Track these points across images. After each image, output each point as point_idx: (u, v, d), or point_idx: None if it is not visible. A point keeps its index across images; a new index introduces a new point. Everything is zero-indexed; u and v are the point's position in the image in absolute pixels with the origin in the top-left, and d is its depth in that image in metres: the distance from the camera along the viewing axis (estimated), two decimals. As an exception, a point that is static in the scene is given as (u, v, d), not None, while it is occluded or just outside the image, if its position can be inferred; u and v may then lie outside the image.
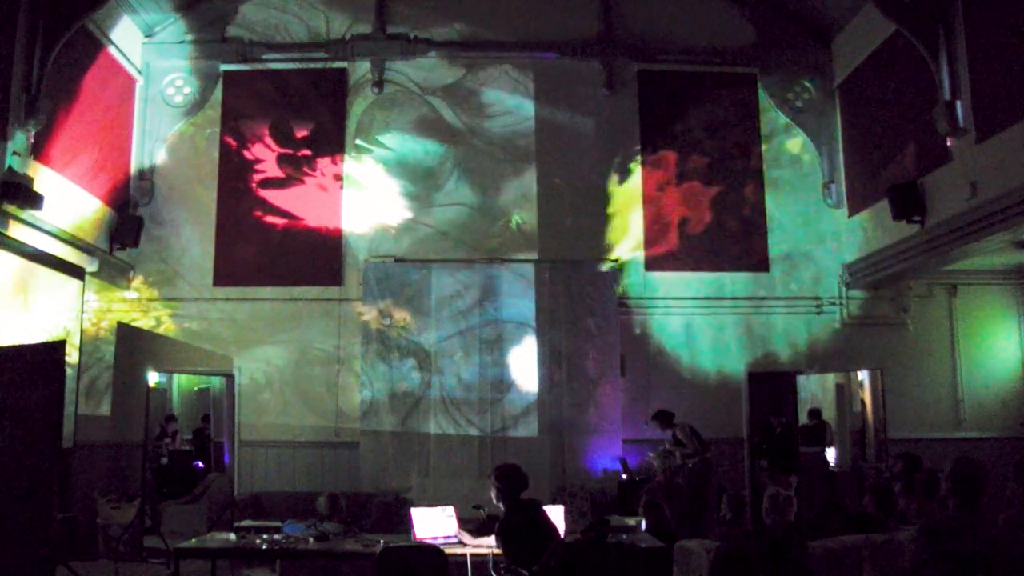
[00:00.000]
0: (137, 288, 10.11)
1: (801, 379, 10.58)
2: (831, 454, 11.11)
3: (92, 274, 9.15)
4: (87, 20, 8.60)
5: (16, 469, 5.84)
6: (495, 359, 9.96)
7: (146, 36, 10.47)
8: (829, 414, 11.44)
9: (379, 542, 5.95)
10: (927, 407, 10.05)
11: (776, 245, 10.47)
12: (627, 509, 8.32)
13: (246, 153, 10.47)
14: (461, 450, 9.76)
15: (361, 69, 10.62)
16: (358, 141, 10.53)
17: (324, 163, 10.47)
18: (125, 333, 9.94)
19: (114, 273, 9.70)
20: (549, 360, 9.94)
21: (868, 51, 9.78)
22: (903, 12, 8.42)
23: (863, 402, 10.86)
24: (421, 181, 10.48)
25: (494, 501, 5.63)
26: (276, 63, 10.62)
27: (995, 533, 3.54)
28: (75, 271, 8.83)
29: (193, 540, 6.66)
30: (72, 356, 8.55)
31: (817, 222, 10.55)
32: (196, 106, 10.51)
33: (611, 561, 5.21)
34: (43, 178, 8.12)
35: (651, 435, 9.37)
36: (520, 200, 10.46)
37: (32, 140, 7.95)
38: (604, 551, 5.25)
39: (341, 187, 10.43)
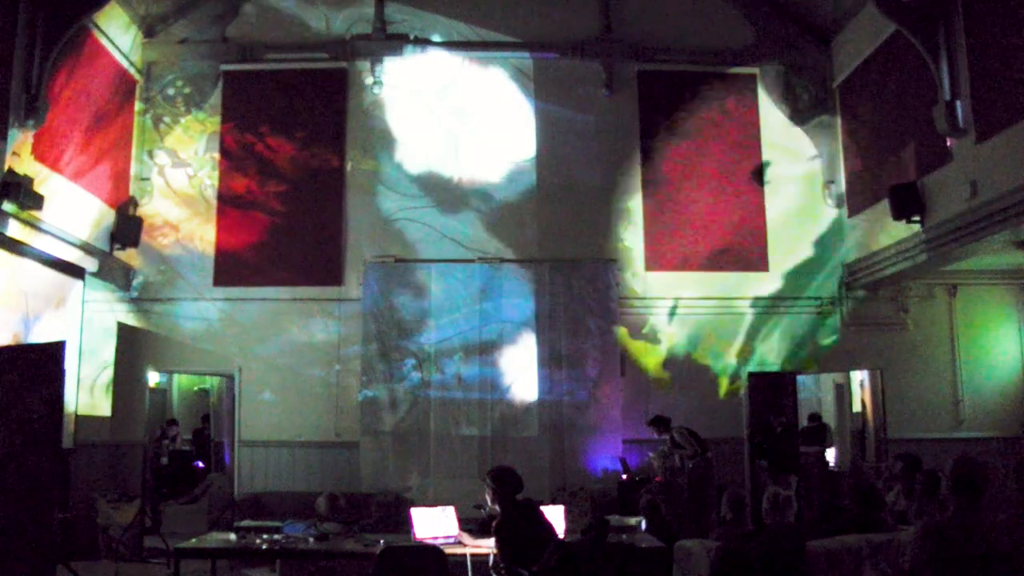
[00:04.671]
0: (137, 288, 10.10)
1: (801, 379, 10.58)
2: (831, 454, 11.12)
3: (92, 274, 9.15)
4: (87, 20, 8.59)
5: (16, 469, 5.84)
6: (495, 359, 9.96)
7: (146, 36, 10.46)
8: (829, 414, 11.46)
9: (379, 542, 5.95)
10: (927, 407, 10.04)
11: (776, 245, 10.47)
12: (627, 509, 8.32)
13: (246, 153, 10.46)
14: (461, 450, 9.75)
15: (361, 69, 10.63)
16: (358, 141, 10.53)
17: (324, 163, 10.46)
18: (125, 333, 9.94)
19: (114, 273, 9.70)
20: (549, 360, 9.94)
21: (868, 51, 9.78)
22: (903, 12, 8.42)
23: (863, 402, 10.87)
24: (421, 180, 10.48)
25: (489, 503, 5.64)
26: (276, 63, 10.62)
27: (995, 533, 3.53)
28: (75, 271, 8.83)
29: (193, 540, 6.65)
30: (72, 356, 8.54)
31: (817, 222, 10.55)
32: (196, 106, 10.50)
33: (611, 561, 5.22)
34: (43, 178, 8.12)
35: (651, 435, 9.36)
36: (520, 199, 10.46)
37: (32, 140, 7.95)
38: (604, 551, 5.26)
39: (341, 187, 10.43)
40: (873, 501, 5.53)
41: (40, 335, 7.91)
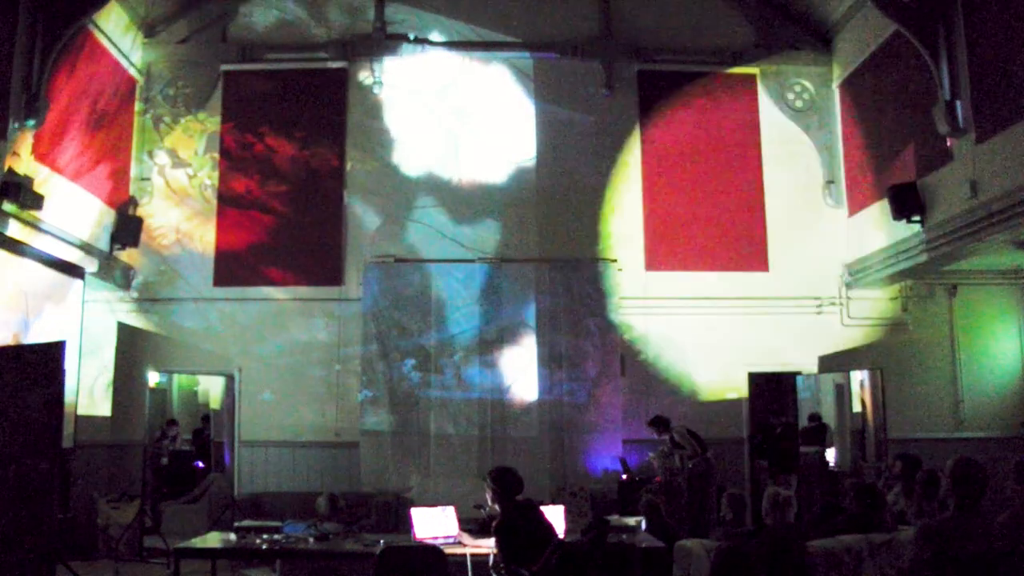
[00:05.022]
0: (137, 288, 10.11)
1: (801, 379, 10.58)
2: (831, 454, 11.11)
3: (92, 274, 9.15)
4: (87, 20, 8.58)
5: (16, 469, 5.84)
6: (495, 359, 9.96)
7: (147, 36, 10.45)
8: (829, 414, 11.44)
9: (379, 542, 5.95)
10: (927, 407, 10.04)
11: (776, 245, 10.47)
12: (627, 509, 8.32)
13: (246, 153, 10.46)
14: (461, 450, 9.75)
15: (361, 69, 10.63)
16: (358, 141, 10.53)
17: (324, 163, 10.47)
18: (125, 333, 9.94)
19: (114, 273, 9.70)
20: (549, 360, 9.94)
21: (868, 51, 9.79)
22: (903, 12, 8.42)
23: (863, 402, 10.86)
24: (421, 181, 10.48)
25: (489, 503, 5.64)
26: (276, 63, 10.62)
27: (995, 533, 3.54)
28: (75, 271, 8.83)
29: (193, 540, 6.65)
30: (72, 356, 8.54)
31: (817, 222, 10.55)
32: (196, 106, 10.49)
33: (611, 561, 5.22)
34: (43, 178, 8.12)
35: (651, 435, 9.36)
36: (520, 199, 10.46)
37: (32, 140, 7.95)
38: (604, 551, 5.25)
39: (341, 187, 10.43)
40: (873, 501, 5.52)
41: (40, 335, 7.91)
